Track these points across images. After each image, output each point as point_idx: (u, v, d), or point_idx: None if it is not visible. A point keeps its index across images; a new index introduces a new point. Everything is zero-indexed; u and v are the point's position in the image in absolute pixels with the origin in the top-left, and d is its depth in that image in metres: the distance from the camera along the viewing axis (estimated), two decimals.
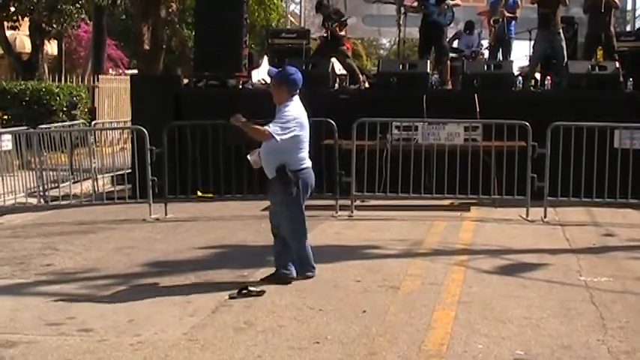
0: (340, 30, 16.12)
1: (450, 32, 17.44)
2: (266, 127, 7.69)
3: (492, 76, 14.13)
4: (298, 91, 7.94)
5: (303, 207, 7.98)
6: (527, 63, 16.75)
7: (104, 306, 7.22)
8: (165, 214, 11.83)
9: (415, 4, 15.28)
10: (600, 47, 15.77)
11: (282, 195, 7.86)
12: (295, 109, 7.84)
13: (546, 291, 7.65)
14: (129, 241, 10.23)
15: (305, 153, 7.93)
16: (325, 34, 16.15)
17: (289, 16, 27.76)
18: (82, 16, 25.93)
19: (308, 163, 7.96)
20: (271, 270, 8.10)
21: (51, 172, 14.02)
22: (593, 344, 6.12)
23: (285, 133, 7.70)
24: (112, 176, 15.40)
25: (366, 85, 15.82)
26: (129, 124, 15.63)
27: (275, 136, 7.65)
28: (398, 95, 13.58)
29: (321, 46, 16.78)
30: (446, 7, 15.25)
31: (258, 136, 7.78)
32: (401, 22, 15.93)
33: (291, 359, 5.84)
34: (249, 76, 15.54)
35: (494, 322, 6.64)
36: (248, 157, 8.09)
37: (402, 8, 15.81)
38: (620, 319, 6.73)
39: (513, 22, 16.44)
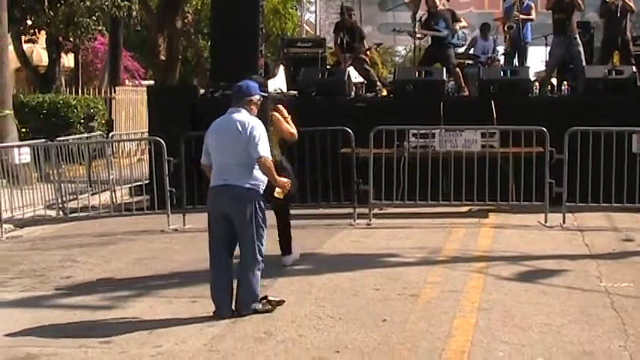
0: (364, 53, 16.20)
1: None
2: None
3: (509, 82, 14.09)
4: (251, 100, 7.32)
5: (212, 236, 7.27)
6: (543, 68, 16.71)
7: (124, 317, 7.26)
8: (184, 225, 11.84)
9: (427, 32, 15.31)
10: (616, 51, 15.72)
11: None
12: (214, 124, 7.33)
13: (566, 297, 7.61)
14: (148, 252, 10.26)
15: (215, 172, 7.21)
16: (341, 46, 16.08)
17: (304, 24, 27.79)
18: (99, 28, 26.03)
19: (216, 181, 7.17)
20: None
21: (69, 184, 14.07)
22: (614, 350, 6.09)
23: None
24: (130, 187, 15.44)
25: (383, 92, 15.81)
26: (146, 135, 15.66)
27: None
28: (414, 103, 13.57)
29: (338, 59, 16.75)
30: (458, 28, 15.31)
31: None
32: (416, 29, 15.89)
33: None
34: (266, 86, 15.52)
35: (515, 329, 6.62)
36: None
37: (416, 35, 15.82)
38: None
39: (529, 25, 16.36)
